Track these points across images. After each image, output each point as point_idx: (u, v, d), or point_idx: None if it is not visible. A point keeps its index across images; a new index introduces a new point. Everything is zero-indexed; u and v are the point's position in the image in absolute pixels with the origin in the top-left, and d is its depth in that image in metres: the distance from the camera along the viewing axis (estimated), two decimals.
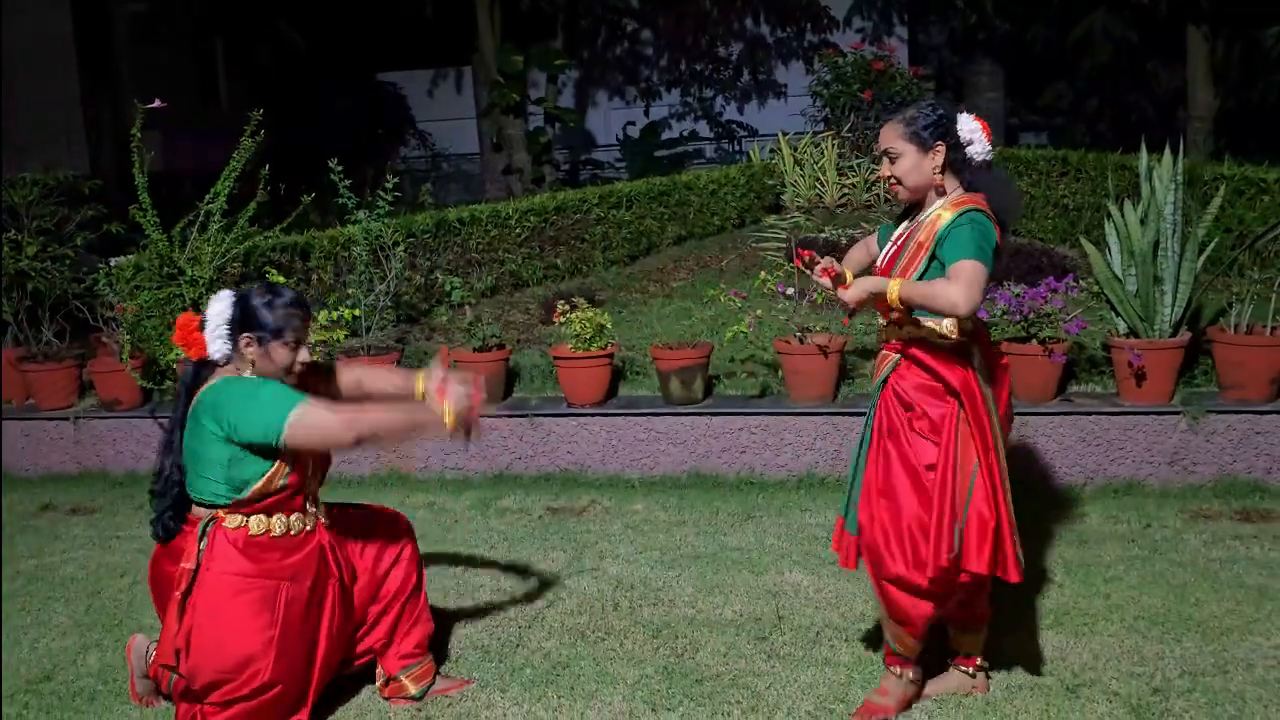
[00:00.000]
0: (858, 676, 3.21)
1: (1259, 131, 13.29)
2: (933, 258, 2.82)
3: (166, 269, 5.73)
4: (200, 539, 2.88)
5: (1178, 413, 4.84)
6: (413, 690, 3.18)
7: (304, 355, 2.96)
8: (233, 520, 2.88)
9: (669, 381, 5.33)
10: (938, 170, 2.87)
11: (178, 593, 2.88)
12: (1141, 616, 3.55)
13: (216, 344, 2.92)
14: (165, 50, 15.06)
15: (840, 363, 5.24)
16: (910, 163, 2.87)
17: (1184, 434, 4.82)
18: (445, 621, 3.64)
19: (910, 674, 3.04)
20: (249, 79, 16.57)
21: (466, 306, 6.24)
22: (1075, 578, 3.88)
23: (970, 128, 2.89)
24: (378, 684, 3.22)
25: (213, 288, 5.44)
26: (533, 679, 3.30)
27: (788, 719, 3.01)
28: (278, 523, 2.92)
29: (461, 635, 3.62)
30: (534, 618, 3.76)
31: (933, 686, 3.09)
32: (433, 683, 3.23)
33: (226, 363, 2.94)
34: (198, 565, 2.87)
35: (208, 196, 5.79)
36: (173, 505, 2.99)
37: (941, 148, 2.86)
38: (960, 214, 2.79)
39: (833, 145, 9.20)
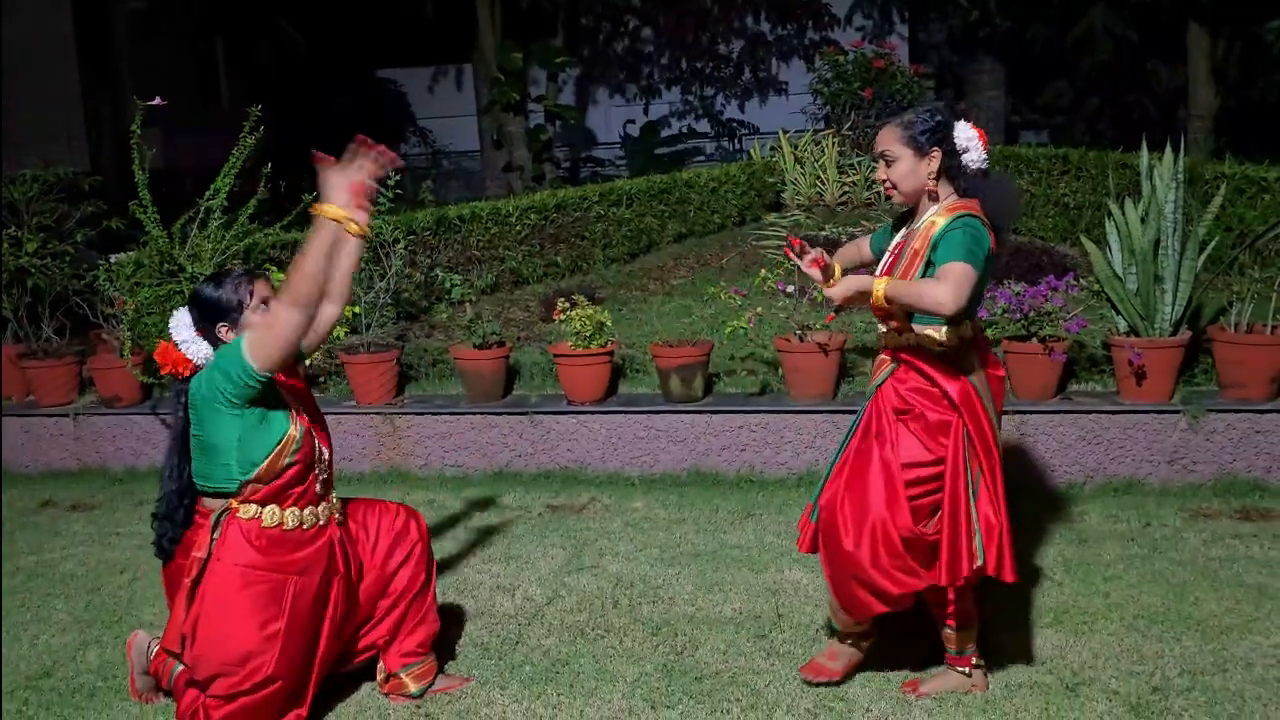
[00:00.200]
0: (857, 674, 3.21)
1: (1260, 130, 13.28)
2: (929, 264, 2.83)
3: (167, 266, 5.73)
4: (213, 529, 2.90)
5: (1178, 411, 4.84)
6: (412, 688, 3.18)
7: None
8: (246, 511, 2.90)
9: (669, 379, 5.33)
10: (933, 176, 2.89)
11: (187, 580, 2.90)
12: (1141, 615, 3.55)
13: (199, 349, 2.98)
14: (165, 47, 15.06)
15: (840, 361, 5.24)
16: (906, 167, 2.89)
17: (1184, 433, 4.82)
18: (445, 619, 3.62)
19: (861, 645, 3.16)
20: (249, 76, 16.57)
21: (467, 304, 6.24)
22: (1075, 576, 3.88)
23: (967, 135, 2.91)
24: (378, 679, 3.22)
25: None
26: (532, 676, 3.30)
27: (787, 716, 3.01)
28: (290, 515, 2.93)
29: (461, 632, 3.63)
30: (533, 615, 3.76)
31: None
32: (433, 682, 3.23)
33: None
34: (208, 555, 2.89)
35: (208, 193, 5.79)
36: (172, 529, 3.04)
37: (937, 154, 2.87)
38: (954, 219, 2.81)
39: (833, 143, 9.19)
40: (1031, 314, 4.99)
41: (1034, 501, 4.68)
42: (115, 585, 4.24)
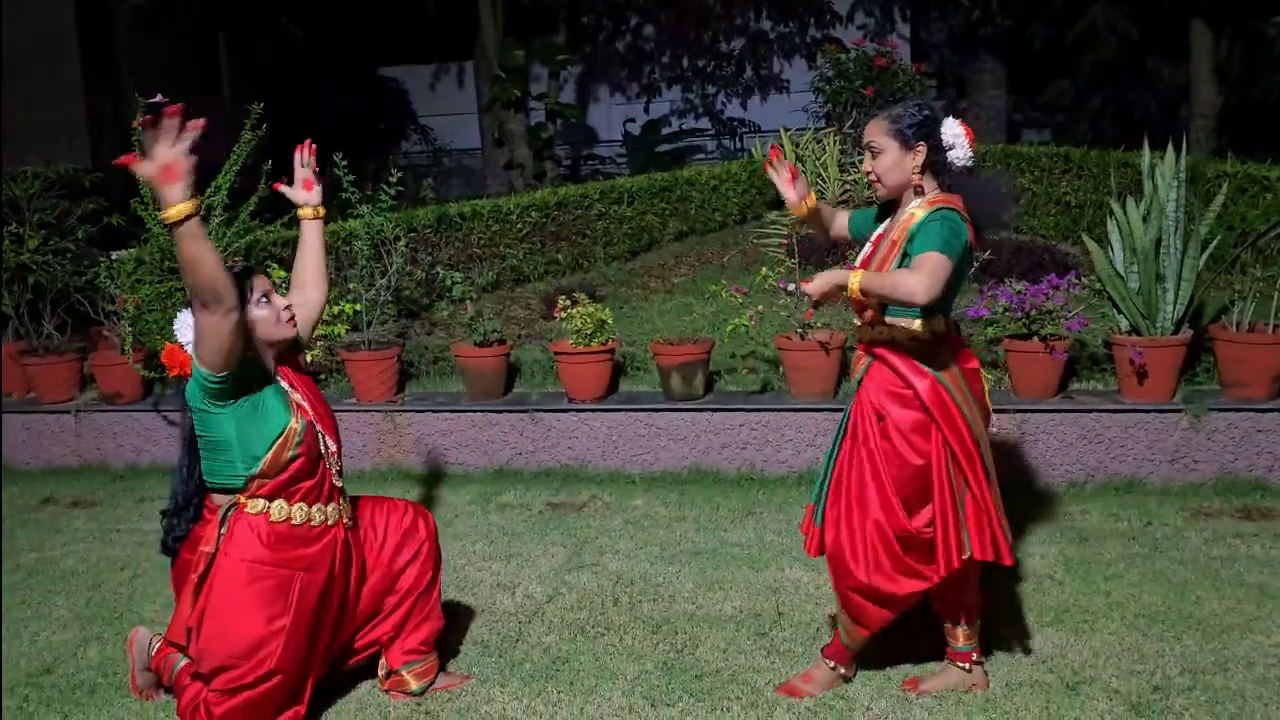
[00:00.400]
0: (857, 672, 3.21)
1: (1262, 129, 13.24)
2: (905, 255, 2.84)
3: (168, 262, 5.73)
4: (221, 524, 2.91)
5: (1179, 410, 4.83)
6: (413, 686, 3.18)
7: (282, 301, 3.00)
8: (254, 505, 2.90)
9: (670, 377, 5.33)
10: (917, 170, 2.90)
11: (194, 575, 2.90)
12: (1142, 614, 3.55)
13: None
14: (166, 45, 15.04)
15: (841, 359, 5.24)
16: (891, 159, 2.90)
17: (1185, 432, 4.82)
18: (445, 616, 3.63)
19: (843, 669, 3.13)
20: (250, 74, 16.56)
21: (467, 301, 6.24)
22: (1076, 575, 3.88)
23: (954, 132, 2.92)
24: (379, 676, 3.23)
25: None
26: (532, 674, 3.30)
27: (787, 715, 3.01)
28: (298, 512, 2.94)
29: (461, 630, 3.63)
30: (534, 613, 3.76)
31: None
32: (434, 680, 3.23)
33: None
34: (216, 550, 2.89)
35: (209, 190, 5.78)
36: (180, 526, 3.04)
37: (923, 148, 2.88)
38: (933, 211, 2.83)
39: (835, 141, 9.16)
40: (1033, 312, 4.99)
41: (1035, 500, 4.68)
42: (116, 582, 4.24)
